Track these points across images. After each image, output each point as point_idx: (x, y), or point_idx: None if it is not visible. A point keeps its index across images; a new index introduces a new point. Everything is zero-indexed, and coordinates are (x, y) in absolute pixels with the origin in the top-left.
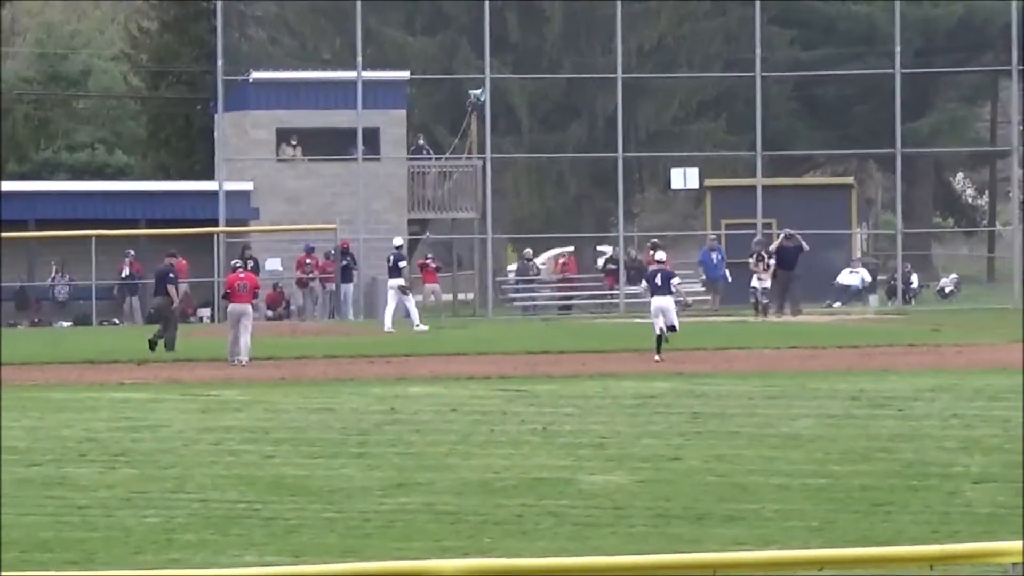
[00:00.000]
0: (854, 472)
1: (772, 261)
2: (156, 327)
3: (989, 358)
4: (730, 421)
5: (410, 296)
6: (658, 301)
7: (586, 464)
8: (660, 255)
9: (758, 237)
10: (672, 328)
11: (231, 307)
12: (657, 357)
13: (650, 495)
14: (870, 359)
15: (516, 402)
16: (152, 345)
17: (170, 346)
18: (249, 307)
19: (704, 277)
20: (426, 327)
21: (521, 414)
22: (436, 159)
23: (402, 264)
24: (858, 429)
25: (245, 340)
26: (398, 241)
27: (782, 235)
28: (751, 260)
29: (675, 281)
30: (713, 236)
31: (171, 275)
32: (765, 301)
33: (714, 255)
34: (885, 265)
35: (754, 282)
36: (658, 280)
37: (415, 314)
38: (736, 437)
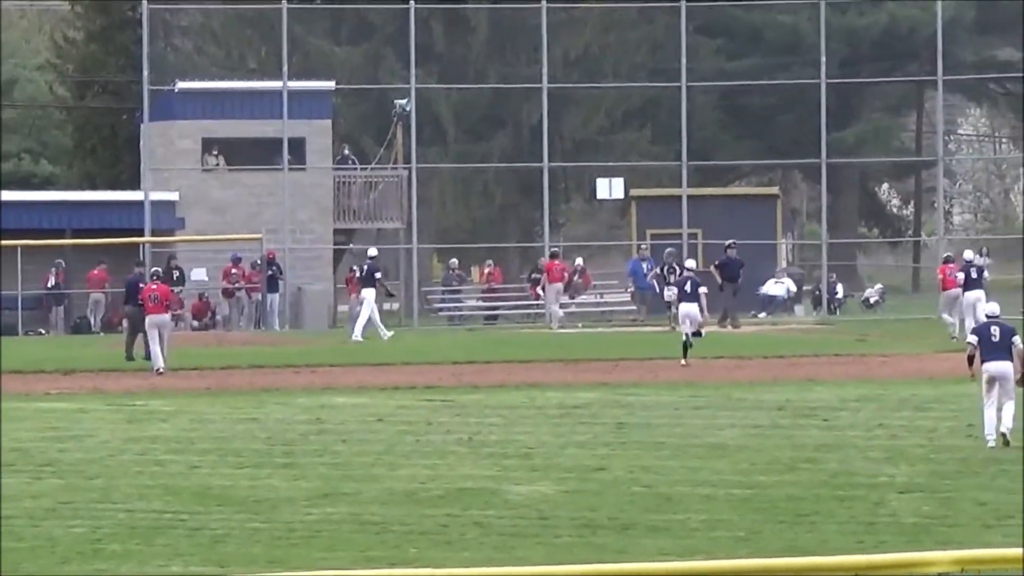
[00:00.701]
0: (780, 482)
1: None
2: (122, 336)
3: (914, 368)
4: (655, 431)
5: (375, 308)
6: (686, 307)
7: (511, 474)
8: (690, 263)
9: (669, 249)
10: (698, 334)
11: (148, 318)
12: (683, 362)
13: (575, 505)
14: (796, 369)
15: (442, 412)
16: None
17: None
18: (167, 317)
19: (632, 288)
20: (390, 333)
21: (447, 424)
22: (362, 169)
23: (378, 275)
24: (784, 439)
25: (156, 350)
26: (373, 251)
27: (727, 246)
28: (657, 271)
29: (703, 290)
30: (644, 246)
31: (141, 284)
32: (675, 311)
33: (644, 265)
34: (811, 275)
35: (667, 295)
36: (688, 287)
37: (360, 328)
38: (661, 447)
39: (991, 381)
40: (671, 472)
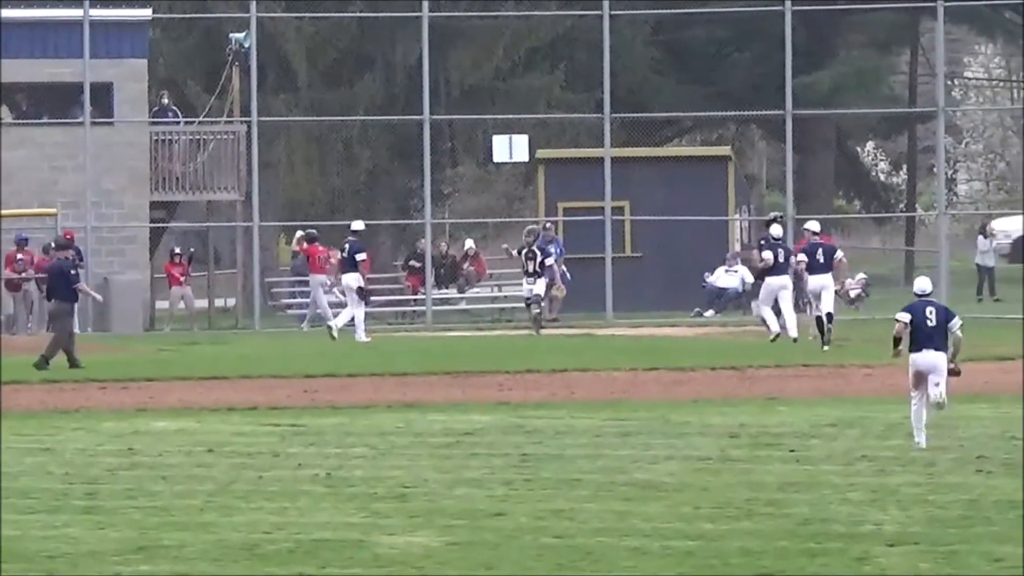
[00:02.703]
0: (733, 531)
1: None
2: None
3: (907, 383)
4: (570, 465)
5: (362, 303)
6: (817, 280)
7: (383, 521)
8: (814, 225)
9: (531, 226)
10: (829, 316)
11: None
12: (825, 348)
13: (466, 561)
14: (753, 384)
15: (291, 440)
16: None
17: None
18: None
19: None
20: (368, 339)
21: (298, 456)
22: (187, 124)
23: (360, 257)
24: (738, 475)
25: None
26: (358, 225)
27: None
28: (515, 253)
29: (839, 255)
30: (549, 224)
31: (74, 272)
32: (537, 311)
33: (551, 247)
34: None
35: (525, 286)
36: (819, 255)
37: (361, 323)
38: (578, 486)
39: (919, 375)
40: (591, 518)
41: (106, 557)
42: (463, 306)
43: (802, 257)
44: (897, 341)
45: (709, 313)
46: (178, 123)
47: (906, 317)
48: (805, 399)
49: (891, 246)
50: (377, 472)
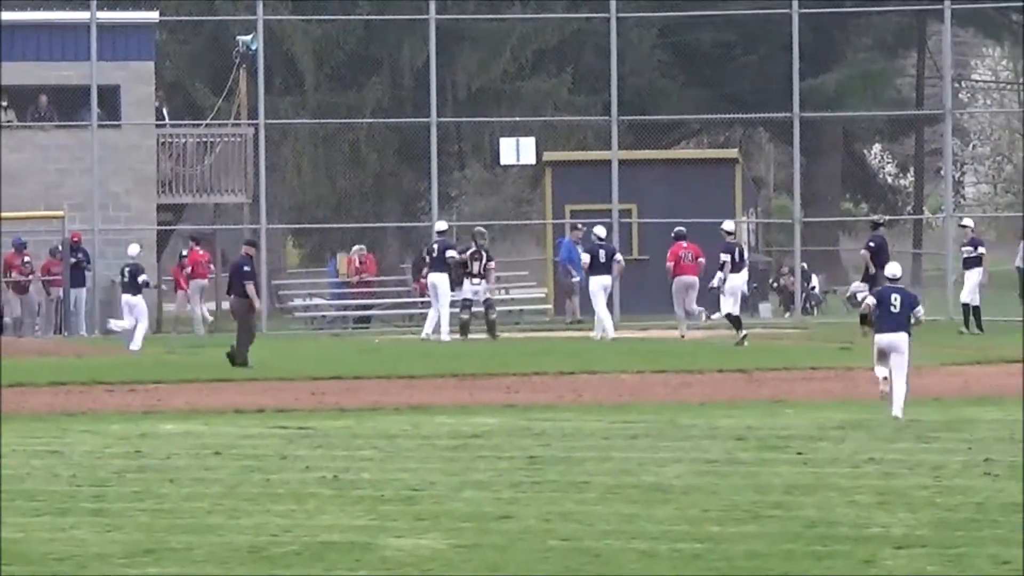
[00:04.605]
0: (739, 534)
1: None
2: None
3: (915, 385)
4: (578, 468)
5: (446, 303)
6: (737, 279)
7: (390, 524)
8: (728, 225)
9: (478, 227)
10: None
11: None
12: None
13: (474, 564)
14: (760, 387)
15: (298, 443)
16: (233, 359)
17: (239, 357)
18: None
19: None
20: (450, 339)
21: (305, 459)
22: (194, 126)
23: (450, 254)
24: (744, 478)
25: None
26: (441, 225)
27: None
28: (456, 256)
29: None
30: (581, 225)
31: (247, 268)
32: (466, 317)
33: (580, 250)
34: (779, 264)
35: (465, 288)
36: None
37: (445, 323)
38: (585, 488)
39: (882, 352)
40: (598, 520)
41: (113, 559)
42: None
43: (725, 258)
44: (863, 319)
45: (716, 316)
46: (164, 125)
47: (873, 301)
48: (812, 401)
49: (898, 249)
50: (384, 474)
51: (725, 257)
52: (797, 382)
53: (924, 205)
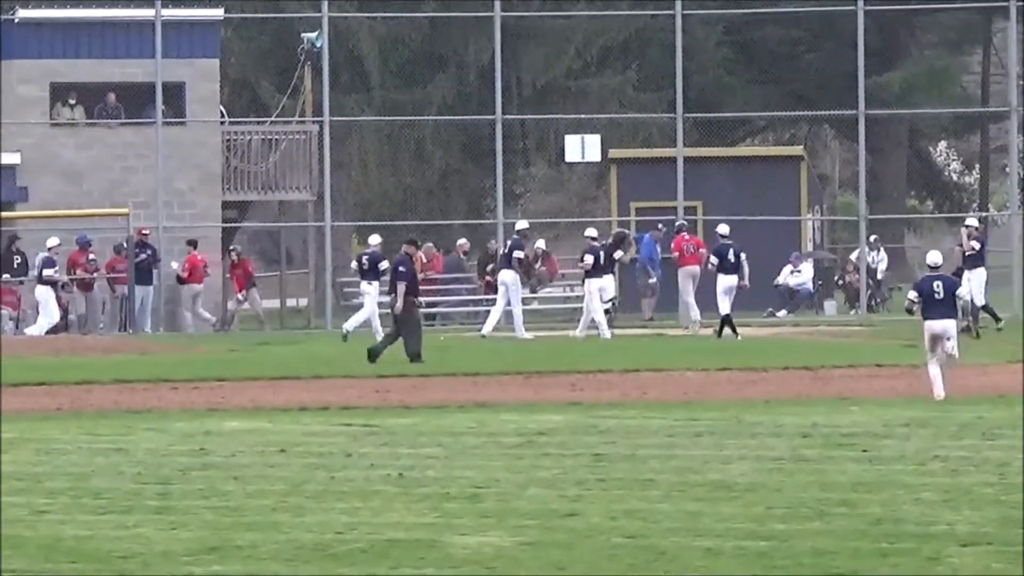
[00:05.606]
0: (804, 531)
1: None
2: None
3: (981, 383)
4: (643, 465)
5: (519, 300)
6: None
7: (455, 521)
8: (724, 228)
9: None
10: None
11: None
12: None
13: (539, 561)
14: (825, 384)
15: (363, 441)
16: (372, 355)
17: (415, 356)
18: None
19: (653, 277)
20: (531, 335)
21: (370, 456)
22: (259, 123)
23: (518, 253)
24: (810, 476)
25: None
26: (522, 224)
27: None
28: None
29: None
30: (661, 225)
31: (401, 268)
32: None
33: (659, 248)
34: (845, 261)
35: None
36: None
37: (519, 319)
38: (651, 486)
39: (935, 339)
40: (663, 518)
41: (178, 557)
42: (535, 306)
43: (714, 259)
44: (910, 312)
45: (782, 313)
46: (250, 123)
47: (915, 295)
48: (878, 399)
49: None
50: (449, 472)
51: (715, 260)
52: (862, 379)
53: (989, 202)
